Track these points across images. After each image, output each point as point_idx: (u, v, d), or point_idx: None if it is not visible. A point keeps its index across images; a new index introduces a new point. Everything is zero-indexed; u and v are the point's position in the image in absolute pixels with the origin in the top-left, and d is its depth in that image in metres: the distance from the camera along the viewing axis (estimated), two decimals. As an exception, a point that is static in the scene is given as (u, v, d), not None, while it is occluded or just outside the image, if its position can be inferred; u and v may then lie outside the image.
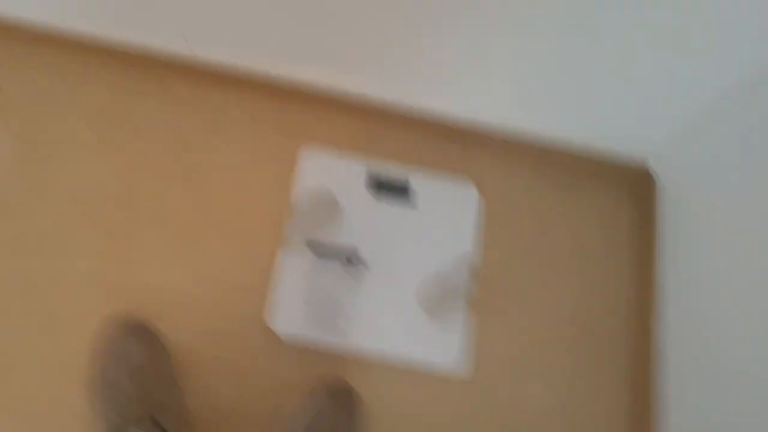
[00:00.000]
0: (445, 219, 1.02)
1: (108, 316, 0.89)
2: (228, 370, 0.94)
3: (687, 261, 0.95)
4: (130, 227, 0.99)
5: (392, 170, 1.04)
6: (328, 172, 1.03)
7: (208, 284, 0.97)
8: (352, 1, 0.83)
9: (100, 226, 0.98)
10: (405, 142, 1.08)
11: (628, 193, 1.09)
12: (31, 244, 0.96)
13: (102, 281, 0.96)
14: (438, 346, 0.97)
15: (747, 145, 0.83)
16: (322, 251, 0.98)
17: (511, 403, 0.97)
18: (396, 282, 0.99)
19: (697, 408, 0.86)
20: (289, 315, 0.95)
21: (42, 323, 0.93)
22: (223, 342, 0.95)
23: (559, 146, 1.06)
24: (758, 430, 0.74)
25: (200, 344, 0.95)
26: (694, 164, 0.96)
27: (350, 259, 0.98)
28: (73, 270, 0.96)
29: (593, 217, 1.08)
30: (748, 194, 0.82)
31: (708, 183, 0.92)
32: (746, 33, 0.77)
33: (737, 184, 0.84)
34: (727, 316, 0.83)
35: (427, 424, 0.95)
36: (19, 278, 0.94)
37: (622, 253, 1.07)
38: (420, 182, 1.04)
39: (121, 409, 0.81)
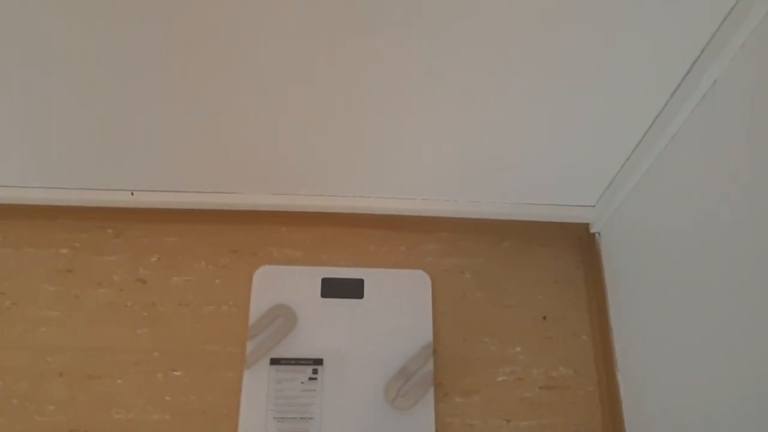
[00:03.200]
0: (403, 311, 1.04)
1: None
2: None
3: (629, 308, 0.96)
4: (97, 371, 1.00)
5: (345, 272, 1.07)
6: (284, 286, 1.05)
7: (177, 414, 0.98)
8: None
9: (66, 374, 1.00)
10: (355, 242, 1.11)
11: (577, 252, 1.11)
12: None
13: (70, 425, 0.96)
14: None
15: (660, 192, 0.86)
16: (285, 366, 0.99)
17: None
18: (363, 382, 0.99)
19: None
20: (261, 435, 0.95)
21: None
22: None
23: (505, 220, 1.09)
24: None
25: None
26: (623, 216, 0.99)
27: (315, 370, 0.99)
28: (43, 417, 0.97)
29: (548, 281, 1.09)
30: (669, 237, 0.84)
31: (638, 232, 0.94)
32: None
33: (661, 228, 0.87)
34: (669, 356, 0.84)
35: None
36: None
37: (581, 312, 1.07)
38: (374, 279, 1.06)
39: None
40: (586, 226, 1.08)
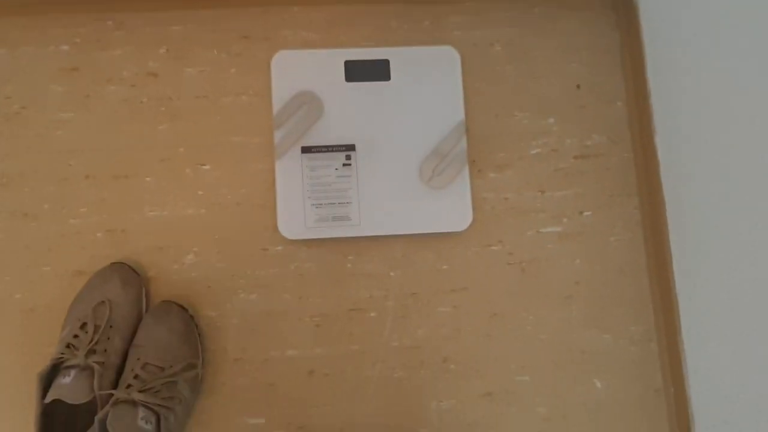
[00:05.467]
0: (432, 90, 0.99)
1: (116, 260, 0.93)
2: (253, 284, 0.96)
3: (671, 71, 0.93)
4: (123, 170, 0.98)
5: (369, 54, 1.01)
6: (305, 72, 0.99)
7: (212, 207, 0.97)
8: None
9: (93, 176, 0.97)
10: (375, 19, 1.03)
11: (612, 15, 1.05)
12: (27, 205, 0.96)
13: (105, 225, 0.96)
14: (448, 212, 0.97)
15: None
16: (317, 154, 0.97)
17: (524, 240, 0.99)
18: (397, 165, 0.97)
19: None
20: (301, 221, 0.95)
21: (54, 276, 0.94)
22: (240, 258, 0.96)
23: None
24: None
25: (219, 264, 0.96)
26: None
27: (348, 156, 0.97)
28: (77, 220, 0.96)
29: (581, 48, 1.04)
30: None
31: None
32: None
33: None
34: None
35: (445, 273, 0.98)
36: (23, 235, 0.95)
37: (616, 78, 1.04)
38: (400, 59, 1.00)
39: (69, 340, 0.84)
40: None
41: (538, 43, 1.04)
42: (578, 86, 1.03)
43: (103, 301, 0.87)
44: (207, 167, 0.98)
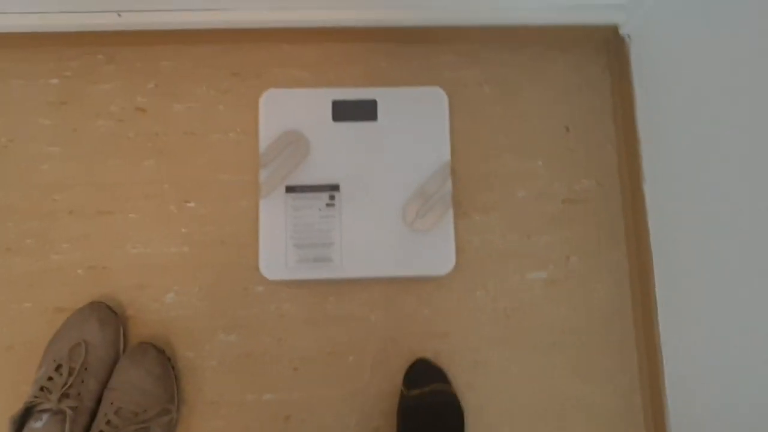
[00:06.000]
0: (419, 131, 0.98)
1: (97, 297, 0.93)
2: (233, 325, 0.95)
3: (660, 116, 0.91)
4: (107, 206, 0.98)
5: (357, 93, 1.00)
6: (293, 111, 0.98)
7: (196, 245, 0.97)
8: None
9: (77, 211, 0.97)
10: (365, 58, 1.03)
11: (603, 57, 1.04)
12: (10, 240, 0.96)
13: (87, 262, 0.96)
14: (431, 255, 0.95)
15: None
16: (302, 194, 0.96)
17: (505, 286, 0.97)
18: (381, 206, 0.96)
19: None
20: (283, 261, 0.94)
21: (35, 312, 0.94)
22: (221, 298, 0.96)
23: (523, 25, 1.00)
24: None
25: (199, 304, 0.96)
26: (660, 17, 0.90)
27: (332, 196, 0.96)
28: (59, 255, 0.96)
29: (571, 90, 1.03)
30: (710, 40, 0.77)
31: (677, 36, 0.87)
32: None
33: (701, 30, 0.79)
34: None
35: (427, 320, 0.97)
36: (4, 271, 0.96)
37: (606, 121, 1.02)
38: (388, 99, 0.99)
39: (43, 382, 0.83)
40: (614, 29, 0.99)
41: (528, 84, 1.03)
42: (567, 129, 1.02)
43: (79, 342, 0.87)
44: (192, 204, 0.98)
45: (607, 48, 1.03)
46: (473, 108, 1.02)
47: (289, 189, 0.96)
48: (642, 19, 0.94)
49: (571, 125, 1.02)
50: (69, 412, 0.80)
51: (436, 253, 0.96)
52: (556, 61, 1.04)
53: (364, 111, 0.99)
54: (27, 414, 0.81)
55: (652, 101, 0.94)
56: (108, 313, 0.91)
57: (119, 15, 0.93)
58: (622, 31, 0.99)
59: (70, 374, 0.84)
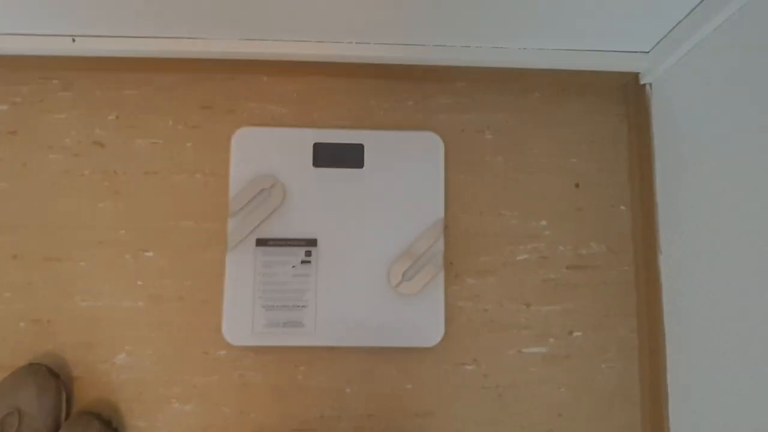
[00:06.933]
0: (410, 181, 0.88)
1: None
2: (190, 393, 0.85)
3: (682, 177, 0.80)
4: (55, 252, 0.87)
5: (342, 136, 0.89)
6: (269, 153, 0.88)
7: (152, 300, 0.86)
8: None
9: (21, 256, 0.87)
10: (353, 95, 0.92)
11: (621, 106, 0.93)
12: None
13: (31, 314, 0.86)
14: (417, 323, 0.85)
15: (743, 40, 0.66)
16: (274, 248, 0.85)
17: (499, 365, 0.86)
18: (363, 266, 0.86)
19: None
20: (249, 324, 0.84)
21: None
22: (178, 361, 0.85)
23: (530, 68, 0.88)
24: None
25: (153, 367, 0.85)
26: (688, 67, 0.79)
27: (309, 252, 0.85)
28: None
29: (583, 142, 0.92)
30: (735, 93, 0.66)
31: (705, 88, 0.75)
32: None
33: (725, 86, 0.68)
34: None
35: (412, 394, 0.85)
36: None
37: (621, 178, 0.92)
38: (376, 144, 0.89)
39: None
40: (635, 76, 0.88)
41: (535, 132, 0.92)
42: (577, 185, 0.91)
43: (12, 412, 0.77)
44: (150, 254, 0.87)
45: (625, 97, 0.92)
46: (471, 157, 0.91)
47: (260, 242, 0.85)
48: (667, 68, 0.83)
49: (581, 181, 0.91)
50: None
51: (423, 321, 0.86)
52: (568, 108, 0.93)
53: (349, 156, 0.88)
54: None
55: (674, 159, 0.83)
56: (47, 378, 0.80)
57: (73, 40, 0.82)
58: (644, 80, 0.88)
59: None
